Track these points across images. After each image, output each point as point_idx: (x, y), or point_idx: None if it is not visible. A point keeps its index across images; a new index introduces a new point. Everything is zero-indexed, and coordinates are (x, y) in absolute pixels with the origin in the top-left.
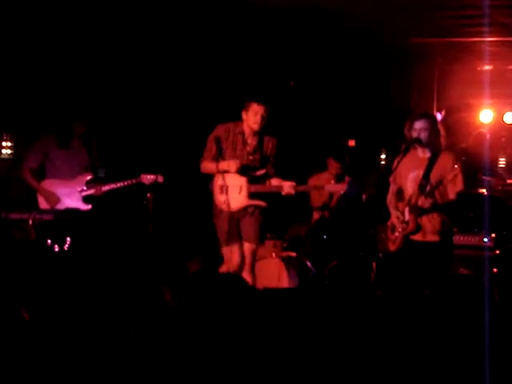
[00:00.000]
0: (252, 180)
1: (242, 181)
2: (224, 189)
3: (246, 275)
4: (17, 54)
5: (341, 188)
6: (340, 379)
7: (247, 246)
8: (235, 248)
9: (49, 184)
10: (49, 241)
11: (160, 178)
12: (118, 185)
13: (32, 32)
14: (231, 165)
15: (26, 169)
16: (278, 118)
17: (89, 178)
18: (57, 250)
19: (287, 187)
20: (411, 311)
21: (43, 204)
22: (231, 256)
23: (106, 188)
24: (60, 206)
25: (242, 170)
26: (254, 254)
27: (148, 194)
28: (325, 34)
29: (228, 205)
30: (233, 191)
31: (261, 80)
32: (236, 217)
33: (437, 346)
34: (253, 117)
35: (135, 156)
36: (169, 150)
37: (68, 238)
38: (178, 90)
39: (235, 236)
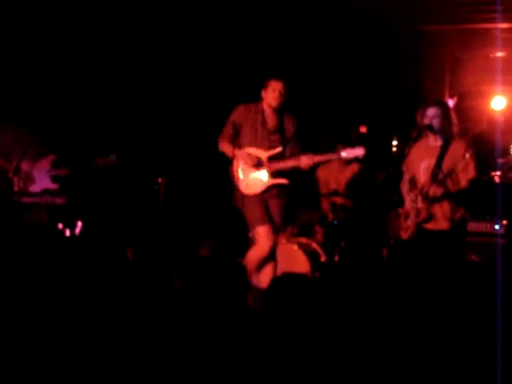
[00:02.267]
0: (271, 159)
1: (262, 159)
2: (245, 172)
3: (270, 262)
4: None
5: (358, 152)
6: (351, 367)
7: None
8: (268, 228)
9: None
10: (60, 225)
11: (112, 160)
12: (81, 166)
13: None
14: (243, 156)
15: None
16: (290, 104)
17: (54, 158)
18: (68, 234)
19: (304, 159)
20: (422, 298)
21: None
22: (268, 235)
23: (71, 168)
24: (33, 187)
25: (253, 161)
26: (276, 236)
27: (159, 179)
28: (337, 19)
29: (251, 188)
30: (254, 173)
31: (272, 64)
32: (263, 198)
33: (448, 333)
34: (271, 93)
35: (145, 141)
36: (181, 135)
37: (79, 223)
38: (190, 74)
39: (268, 216)
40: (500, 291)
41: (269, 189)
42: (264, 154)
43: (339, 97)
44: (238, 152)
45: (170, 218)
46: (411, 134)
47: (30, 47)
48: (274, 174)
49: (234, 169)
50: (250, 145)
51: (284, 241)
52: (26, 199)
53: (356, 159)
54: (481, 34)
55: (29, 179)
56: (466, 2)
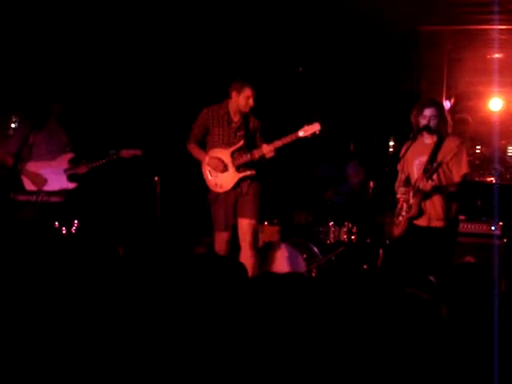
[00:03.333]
0: (233, 154)
1: (225, 158)
2: (213, 172)
3: (247, 253)
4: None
5: (315, 127)
6: (344, 368)
7: (246, 222)
8: (226, 235)
9: (33, 166)
10: (56, 223)
11: (139, 152)
12: (100, 162)
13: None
14: (203, 159)
15: (5, 154)
16: (286, 104)
17: (71, 156)
18: (64, 232)
19: (265, 146)
20: (416, 299)
21: (29, 186)
22: (224, 243)
23: (89, 166)
24: (47, 187)
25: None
26: (254, 230)
27: (156, 178)
28: (334, 19)
29: (221, 186)
30: (221, 171)
31: (269, 65)
32: (235, 197)
33: (444, 334)
34: (245, 100)
35: (143, 140)
36: (178, 134)
37: (76, 221)
38: (186, 76)
39: (230, 222)
40: (496, 292)
41: (238, 184)
42: (227, 152)
43: (335, 97)
44: (205, 159)
45: (167, 216)
46: (409, 135)
47: (50, 45)
48: (239, 168)
49: (203, 171)
50: (218, 143)
51: (280, 240)
52: (21, 197)
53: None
54: (478, 35)
55: (40, 179)
56: (463, 3)
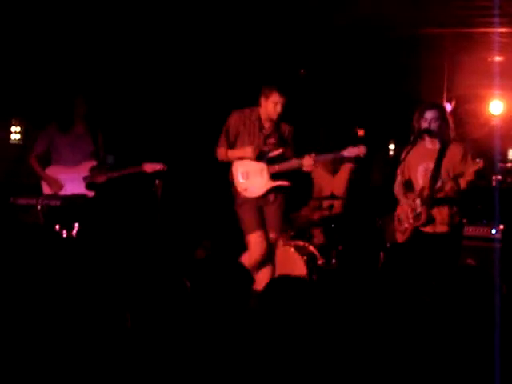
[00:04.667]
0: (270, 161)
1: (261, 164)
2: (245, 175)
3: (266, 265)
4: (17, 34)
5: (360, 150)
6: (345, 371)
7: (269, 237)
8: (263, 234)
9: (53, 171)
10: (57, 226)
11: (162, 167)
12: (122, 173)
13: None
14: (247, 151)
15: (31, 156)
16: (288, 107)
17: (93, 164)
18: (65, 235)
19: (307, 159)
20: (418, 302)
21: (47, 190)
22: (260, 242)
23: (109, 175)
24: (63, 193)
25: (260, 154)
26: (274, 243)
27: (157, 181)
28: (336, 23)
29: (252, 191)
30: (254, 176)
31: (272, 68)
32: (260, 204)
33: (445, 337)
34: (273, 107)
35: (142, 143)
36: (178, 137)
37: (76, 224)
38: (186, 76)
39: (260, 220)
40: (497, 296)
41: (268, 193)
42: (263, 158)
43: (337, 100)
44: (245, 162)
45: (167, 220)
46: (410, 138)
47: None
48: (274, 177)
49: (234, 172)
50: None
51: (281, 243)
52: (22, 201)
53: (354, 160)
54: (479, 38)
55: (57, 184)
56: (464, 6)
